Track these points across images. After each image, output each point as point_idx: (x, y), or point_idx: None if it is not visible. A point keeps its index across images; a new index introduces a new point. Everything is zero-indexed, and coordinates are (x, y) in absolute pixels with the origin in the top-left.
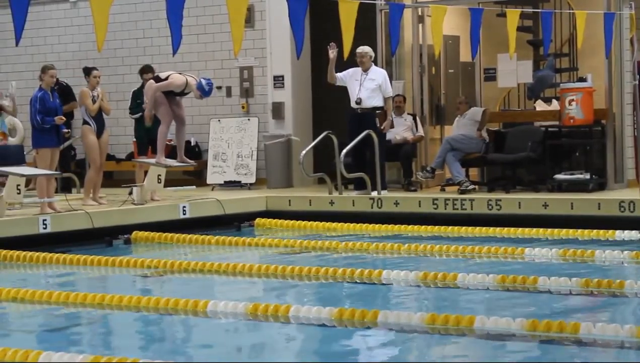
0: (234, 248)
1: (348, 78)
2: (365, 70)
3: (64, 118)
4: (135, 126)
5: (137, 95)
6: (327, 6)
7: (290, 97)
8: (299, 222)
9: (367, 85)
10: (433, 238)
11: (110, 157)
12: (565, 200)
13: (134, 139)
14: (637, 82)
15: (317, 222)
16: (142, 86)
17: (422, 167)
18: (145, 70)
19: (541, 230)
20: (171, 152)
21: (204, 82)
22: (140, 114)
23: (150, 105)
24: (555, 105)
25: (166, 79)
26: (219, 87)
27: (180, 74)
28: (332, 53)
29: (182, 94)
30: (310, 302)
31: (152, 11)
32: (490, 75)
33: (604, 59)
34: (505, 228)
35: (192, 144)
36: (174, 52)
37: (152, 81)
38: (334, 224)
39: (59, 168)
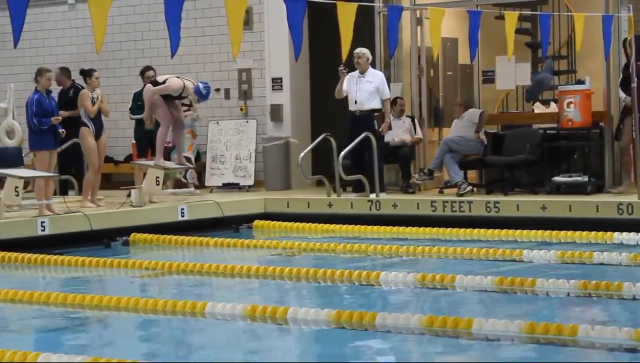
0: (232, 250)
1: (348, 84)
2: (363, 73)
3: (60, 118)
4: (135, 128)
5: (138, 96)
6: (326, 8)
7: (288, 99)
8: (297, 224)
9: (364, 88)
10: (431, 240)
11: (108, 159)
12: (563, 202)
13: (133, 141)
14: (635, 85)
15: (315, 224)
16: (144, 88)
17: (419, 169)
18: (146, 69)
19: (539, 232)
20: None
21: (201, 86)
22: (140, 116)
23: (148, 108)
24: (553, 107)
25: (164, 82)
26: (217, 89)
27: (178, 77)
28: (343, 74)
29: (180, 97)
30: (309, 303)
31: (151, 13)
32: (489, 78)
33: (602, 61)
34: (504, 231)
35: None
36: (173, 54)
37: (150, 85)
38: (332, 226)
39: (58, 169)
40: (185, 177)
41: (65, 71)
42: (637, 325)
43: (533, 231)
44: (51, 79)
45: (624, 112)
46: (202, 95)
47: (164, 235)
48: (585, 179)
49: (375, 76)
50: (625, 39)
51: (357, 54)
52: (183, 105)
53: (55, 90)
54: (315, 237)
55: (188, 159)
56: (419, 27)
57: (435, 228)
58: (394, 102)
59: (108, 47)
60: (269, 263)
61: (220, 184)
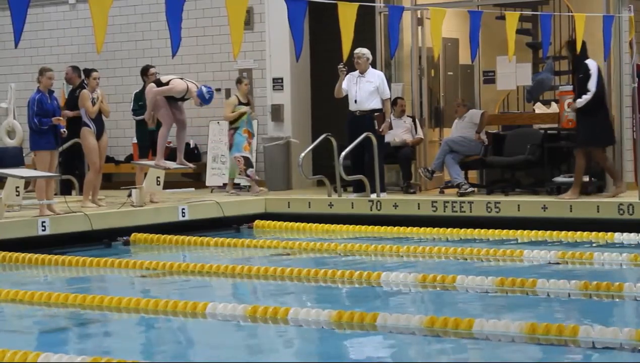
0: (233, 250)
1: (347, 83)
2: (362, 73)
3: (61, 118)
4: (136, 129)
5: (139, 97)
6: (327, 8)
7: (289, 99)
8: (298, 224)
9: (364, 88)
10: (432, 241)
11: (109, 159)
12: (564, 202)
13: (134, 141)
14: (636, 85)
15: (316, 224)
16: (144, 88)
17: (423, 167)
18: (147, 68)
19: (540, 232)
20: (171, 155)
21: (204, 89)
22: (142, 117)
23: (150, 108)
24: (554, 107)
25: (167, 83)
26: (218, 90)
27: (181, 79)
28: (343, 73)
29: (183, 99)
30: (309, 304)
31: (152, 13)
32: (489, 78)
33: (603, 61)
34: (504, 231)
35: (192, 146)
36: (173, 54)
37: (153, 84)
38: (333, 226)
39: (62, 169)
40: (247, 174)
41: (76, 70)
42: (638, 326)
43: (534, 231)
44: (52, 78)
45: (577, 117)
46: (204, 99)
47: (165, 235)
48: (586, 179)
49: (375, 76)
50: None
51: (357, 54)
52: (240, 103)
53: (58, 89)
54: (316, 237)
55: (247, 159)
56: (419, 28)
57: (436, 229)
58: (394, 102)
59: (109, 47)
60: (270, 264)
61: (221, 184)
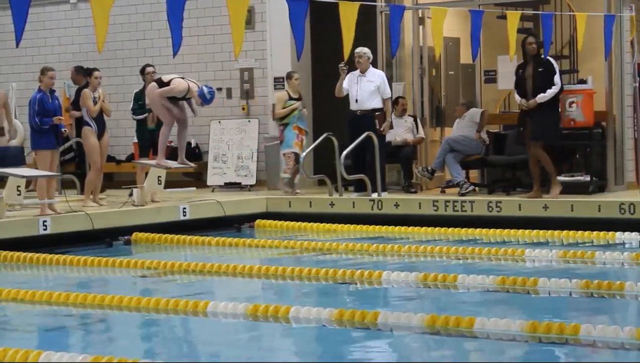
0: (234, 250)
1: (348, 83)
2: (363, 72)
3: (62, 118)
4: (136, 128)
5: (139, 96)
6: (328, 8)
7: None
8: (299, 223)
9: (365, 87)
10: (433, 240)
11: (110, 159)
12: (565, 202)
13: (135, 141)
14: (637, 85)
15: (317, 224)
16: (144, 87)
17: (422, 167)
18: (145, 67)
19: (541, 232)
20: (172, 154)
21: (205, 90)
22: (145, 115)
23: (159, 110)
24: None
25: (168, 83)
26: (219, 89)
27: (182, 78)
28: (343, 72)
29: (184, 98)
30: (310, 303)
31: (153, 12)
32: (491, 77)
33: (604, 61)
34: (506, 230)
35: (193, 146)
36: (174, 53)
37: (154, 84)
38: (334, 226)
39: (63, 168)
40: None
41: (80, 70)
42: (639, 325)
43: (535, 231)
44: (54, 78)
45: (521, 116)
46: (205, 99)
47: (166, 235)
48: (587, 178)
49: (376, 75)
50: None
51: (358, 53)
52: (290, 98)
53: (59, 88)
54: (317, 237)
55: (297, 156)
56: (421, 27)
57: (437, 228)
58: (395, 101)
59: (110, 47)
60: (271, 263)
61: (222, 183)
